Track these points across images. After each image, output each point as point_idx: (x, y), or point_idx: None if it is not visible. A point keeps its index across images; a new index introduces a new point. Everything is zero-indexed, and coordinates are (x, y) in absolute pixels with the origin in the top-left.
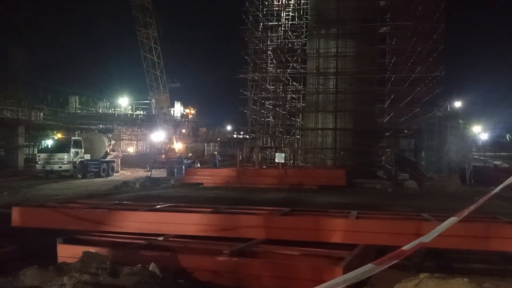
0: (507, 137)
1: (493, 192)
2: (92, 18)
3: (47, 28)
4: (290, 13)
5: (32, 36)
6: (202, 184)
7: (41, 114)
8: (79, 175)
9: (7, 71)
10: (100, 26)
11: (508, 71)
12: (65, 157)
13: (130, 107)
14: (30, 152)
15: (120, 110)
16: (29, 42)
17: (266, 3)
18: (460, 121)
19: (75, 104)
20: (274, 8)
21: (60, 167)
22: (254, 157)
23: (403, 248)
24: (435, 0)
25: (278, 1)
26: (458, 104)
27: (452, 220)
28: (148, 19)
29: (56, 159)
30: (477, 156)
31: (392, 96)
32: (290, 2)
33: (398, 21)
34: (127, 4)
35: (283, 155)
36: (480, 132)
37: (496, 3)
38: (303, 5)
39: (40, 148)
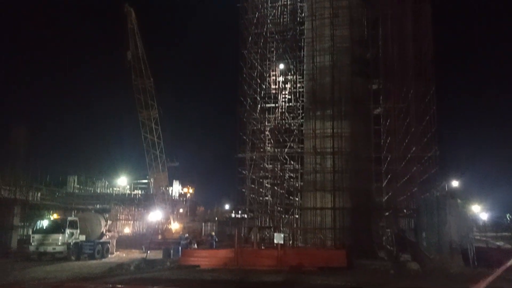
0: (507, 217)
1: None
2: (94, 99)
3: (47, 107)
4: (287, 96)
5: (32, 114)
6: (199, 266)
7: (39, 194)
8: (72, 257)
9: (7, 150)
10: (101, 106)
11: (504, 150)
12: (60, 238)
13: (128, 186)
14: (25, 233)
15: (118, 190)
16: (30, 121)
17: (264, 86)
18: (459, 201)
19: (74, 184)
20: (272, 91)
21: (54, 248)
22: (253, 237)
23: None
24: (425, 83)
25: (275, 85)
26: (455, 183)
27: None
28: (150, 101)
29: (50, 240)
30: (478, 237)
31: (389, 175)
32: (286, 85)
33: (390, 103)
34: (128, 85)
35: (282, 235)
36: (479, 212)
37: (486, 84)
38: (299, 88)
39: (34, 228)
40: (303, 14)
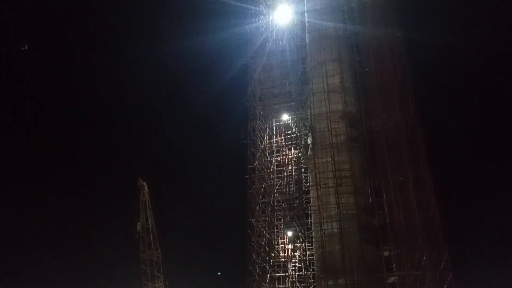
0: None
1: None
2: (96, 272)
3: (47, 275)
4: (297, 264)
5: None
6: None
7: None
8: None
9: None
10: (102, 281)
11: None
12: None
13: None
14: None
15: None
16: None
17: (273, 255)
18: None
19: None
20: (281, 260)
21: None
22: None
23: None
24: (437, 249)
25: (284, 253)
26: None
27: None
28: (157, 273)
29: None
30: None
31: None
32: (295, 253)
33: (404, 270)
34: (135, 257)
35: None
36: None
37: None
38: (308, 256)
39: None
40: (308, 184)
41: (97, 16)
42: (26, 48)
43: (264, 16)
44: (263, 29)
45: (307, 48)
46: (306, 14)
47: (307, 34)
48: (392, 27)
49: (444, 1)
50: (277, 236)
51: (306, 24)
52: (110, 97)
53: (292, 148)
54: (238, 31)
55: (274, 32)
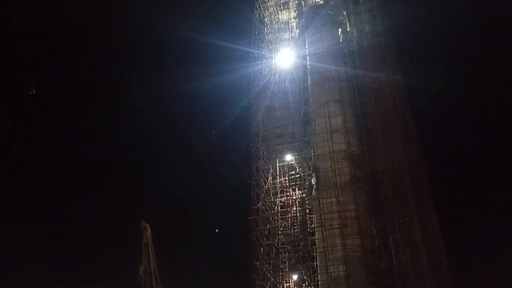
0: None
1: None
2: None
3: None
4: None
5: None
6: None
7: None
8: None
9: None
10: None
11: None
12: None
13: None
14: None
15: None
16: None
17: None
18: None
19: None
20: None
21: None
22: None
23: None
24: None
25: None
26: None
27: None
28: None
29: None
30: None
31: None
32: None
33: None
34: None
35: None
36: None
37: None
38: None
39: None
40: (312, 225)
41: (101, 56)
42: (34, 92)
43: (266, 59)
44: (266, 71)
45: (309, 89)
46: (307, 57)
47: (309, 77)
48: (392, 69)
49: (442, 44)
50: (282, 280)
51: (308, 67)
52: (112, 138)
53: (296, 189)
54: (241, 74)
55: (277, 74)
